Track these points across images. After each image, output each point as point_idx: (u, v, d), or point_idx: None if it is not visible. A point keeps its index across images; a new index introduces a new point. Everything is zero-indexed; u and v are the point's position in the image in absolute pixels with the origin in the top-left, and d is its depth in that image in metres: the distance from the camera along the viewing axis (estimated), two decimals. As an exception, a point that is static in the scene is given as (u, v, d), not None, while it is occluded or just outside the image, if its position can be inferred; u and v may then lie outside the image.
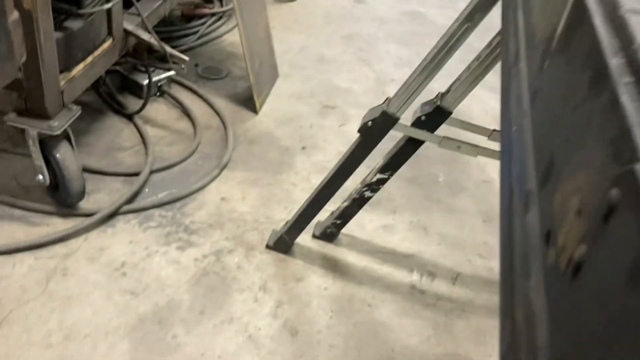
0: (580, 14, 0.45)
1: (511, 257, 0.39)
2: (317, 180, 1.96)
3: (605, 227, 0.27)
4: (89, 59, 1.76)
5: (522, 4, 0.73)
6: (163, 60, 2.04)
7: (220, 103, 2.35)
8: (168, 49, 2.00)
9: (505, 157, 0.53)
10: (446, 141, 1.45)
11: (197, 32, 2.77)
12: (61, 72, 1.62)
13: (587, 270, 0.28)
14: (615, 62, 0.34)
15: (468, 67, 1.38)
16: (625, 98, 0.30)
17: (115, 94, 2.24)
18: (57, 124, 1.58)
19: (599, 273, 0.27)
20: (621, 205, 0.26)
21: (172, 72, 2.20)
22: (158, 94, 2.30)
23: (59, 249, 1.62)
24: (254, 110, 2.34)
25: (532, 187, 0.42)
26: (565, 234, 0.32)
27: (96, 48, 1.80)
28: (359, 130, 1.51)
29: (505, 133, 0.58)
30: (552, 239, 0.34)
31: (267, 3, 3.15)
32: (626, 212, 0.26)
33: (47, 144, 1.63)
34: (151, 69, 2.13)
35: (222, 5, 3.00)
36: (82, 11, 1.67)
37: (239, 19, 2.21)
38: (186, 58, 2.02)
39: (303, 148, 2.20)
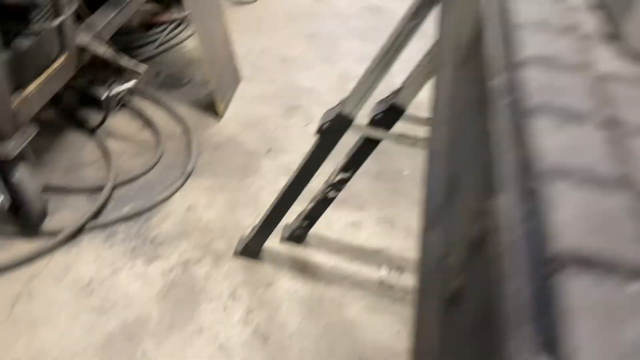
0: (478, 25, 0.45)
1: (420, 277, 0.39)
2: (284, 182, 1.96)
3: (473, 259, 0.27)
4: (43, 76, 1.74)
5: (447, 8, 0.74)
6: (121, 73, 2.02)
7: (183, 110, 2.33)
8: (125, 61, 1.98)
9: (427, 168, 0.53)
10: (402, 138, 1.46)
11: (156, 40, 2.74)
12: (13, 91, 1.60)
13: (460, 300, 0.28)
14: (497, 80, 0.35)
15: (419, 64, 1.39)
16: (497, 120, 0.30)
17: (75, 109, 2.21)
18: (12, 146, 1.56)
19: (465, 306, 0.27)
20: (483, 240, 0.26)
21: (131, 84, 2.18)
22: (119, 106, 2.28)
23: (23, 271, 1.61)
24: (218, 115, 2.33)
25: (439, 204, 0.42)
26: (453, 260, 0.32)
27: (50, 65, 1.77)
28: (317, 132, 1.51)
29: (430, 142, 0.58)
30: (446, 261, 0.34)
31: (226, 6, 3.14)
32: (484, 247, 0.26)
33: (3, 167, 1.61)
34: (110, 82, 2.11)
35: (180, 12, 2.97)
36: (30, 29, 1.64)
37: (195, 26, 2.19)
38: (144, 69, 2.00)
39: (268, 151, 2.19)
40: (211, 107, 2.36)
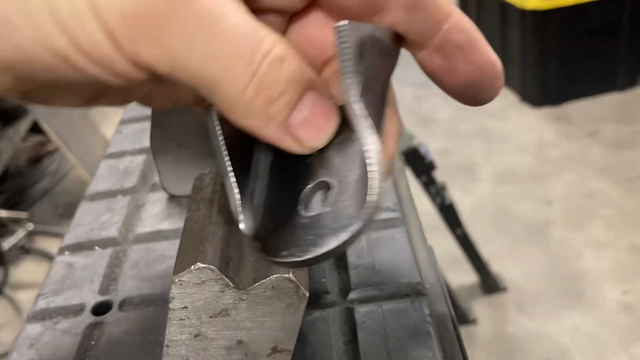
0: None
1: None
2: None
3: None
4: None
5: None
6: (4, 227, 1.97)
7: (89, 235, 2.27)
8: (3, 213, 1.93)
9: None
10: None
11: (49, 172, 2.69)
12: None
13: None
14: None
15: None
16: None
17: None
18: None
19: None
20: None
21: (22, 232, 2.12)
22: (22, 254, 2.21)
23: None
24: (124, 228, 2.28)
25: None
26: None
27: None
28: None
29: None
30: None
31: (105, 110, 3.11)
32: None
33: None
34: (-1, 236, 2.05)
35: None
36: None
37: (66, 152, 2.15)
38: (24, 216, 1.95)
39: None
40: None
